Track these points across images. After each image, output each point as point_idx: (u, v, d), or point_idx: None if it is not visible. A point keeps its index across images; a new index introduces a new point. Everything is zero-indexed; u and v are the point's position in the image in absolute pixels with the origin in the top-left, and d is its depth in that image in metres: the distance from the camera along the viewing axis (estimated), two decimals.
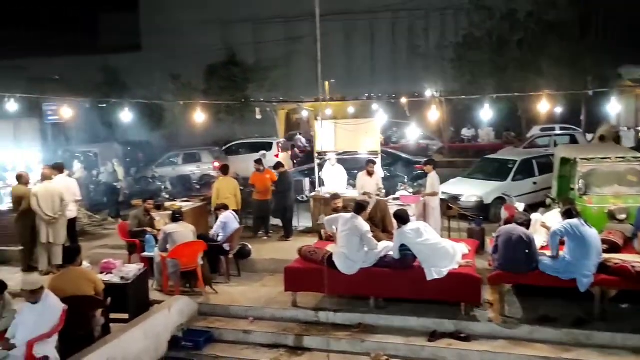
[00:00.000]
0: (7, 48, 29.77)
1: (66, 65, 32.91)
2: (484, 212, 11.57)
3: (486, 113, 13.70)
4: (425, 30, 29.69)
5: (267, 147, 21.13)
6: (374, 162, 11.21)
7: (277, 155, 20.36)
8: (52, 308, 5.90)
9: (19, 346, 5.65)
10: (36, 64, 31.00)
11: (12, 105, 12.38)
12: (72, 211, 10.48)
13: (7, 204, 11.14)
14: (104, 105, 19.86)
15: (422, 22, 31.21)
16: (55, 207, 9.68)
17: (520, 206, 9.54)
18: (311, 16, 33.97)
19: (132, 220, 9.88)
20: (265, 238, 11.50)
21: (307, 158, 21.26)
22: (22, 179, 10.16)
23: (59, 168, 10.69)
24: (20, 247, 10.20)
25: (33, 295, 5.84)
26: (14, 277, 9.07)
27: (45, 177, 9.93)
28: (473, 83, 22.78)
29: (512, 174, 12.87)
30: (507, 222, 8.08)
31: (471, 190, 12.40)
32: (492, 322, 7.19)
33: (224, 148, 22.39)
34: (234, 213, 10.03)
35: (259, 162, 11.91)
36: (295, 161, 21.61)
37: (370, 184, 10.78)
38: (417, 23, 30.50)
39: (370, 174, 10.94)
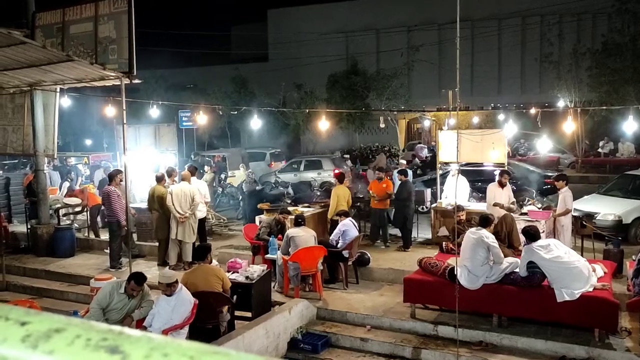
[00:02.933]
0: (152, 60, 32.49)
1: (200, 74, 35.29)
2: (623, 233, 10.70)
3: (629, 125, 12.58)
4: (559, 36, 27.98)
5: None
6: (508, 174, 10.73)
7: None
8: (185, 301, 6.32)
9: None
10: (175, 74, 33.43)
11: (154, 112, 13.44)
12: (201, 212, 11.11)
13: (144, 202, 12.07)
14: (235, 112, 20.99)
15: (555, 28, 29.47)
16: (186, 206, 10.36)
17: None
18: (435, 24, 33.31)
19: (264, 227, 9.98)
20: (383, 247, 11.46)
21: (428, 168, 20.91)
22: (160, 180, 10.99)
23: (191, 171, 11.43)
24: (157, 243, 11.04)
25: (169, 288, 6.28)
26: (150, 271, 9.84)
27: (184, 178, 10.66)
28: (612, 93, 21.12)
29: None
30: None
31: (609, 208, 11.48)
32: (630, 352, 6.60)
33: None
34: (353, 220, 10.10)
35: (380, 170, 11.94)
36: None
37: (502, 196, 10.32)
38: (550, 29, 28.81)
39: (502, 185, 10.45)
